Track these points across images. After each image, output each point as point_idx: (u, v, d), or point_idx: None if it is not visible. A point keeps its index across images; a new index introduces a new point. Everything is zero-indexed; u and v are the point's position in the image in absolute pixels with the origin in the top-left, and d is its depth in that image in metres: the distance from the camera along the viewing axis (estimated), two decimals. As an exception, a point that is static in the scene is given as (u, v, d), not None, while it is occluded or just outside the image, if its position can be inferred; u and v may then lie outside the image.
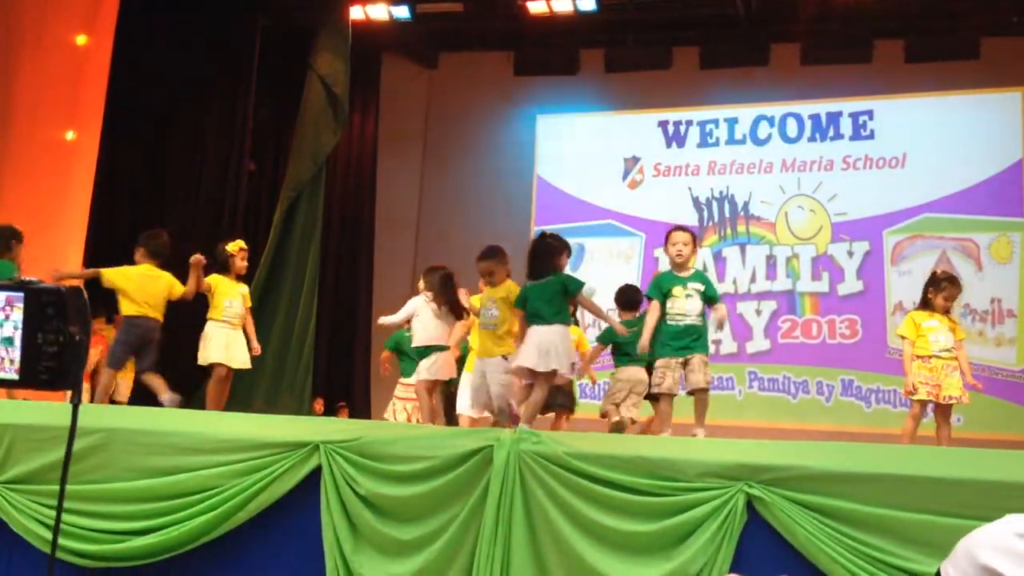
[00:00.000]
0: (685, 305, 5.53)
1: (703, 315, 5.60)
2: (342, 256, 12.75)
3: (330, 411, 11.21)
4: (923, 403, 6.11)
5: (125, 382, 8.14)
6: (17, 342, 2.08)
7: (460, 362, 6.71)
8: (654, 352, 5.61)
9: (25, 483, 4.68)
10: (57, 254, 8.31)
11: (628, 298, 7.08)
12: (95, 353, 7.92)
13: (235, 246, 7.12)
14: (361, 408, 11.65)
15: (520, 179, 12.66)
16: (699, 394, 5.51)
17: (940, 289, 6.26)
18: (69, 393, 2.14)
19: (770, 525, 3.82)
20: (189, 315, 7.68)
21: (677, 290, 5.56)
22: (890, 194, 11.26)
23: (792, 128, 11.83)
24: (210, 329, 6.91)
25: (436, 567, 4.18)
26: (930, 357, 6.09)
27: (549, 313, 5.18)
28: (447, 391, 6.77)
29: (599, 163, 12.42)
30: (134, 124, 10.48)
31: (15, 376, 2.09)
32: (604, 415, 6.76)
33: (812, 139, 11.75)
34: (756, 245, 11.70)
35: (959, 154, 11.09)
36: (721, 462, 3.94)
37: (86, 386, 7.20)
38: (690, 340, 5.49)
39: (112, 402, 7.47)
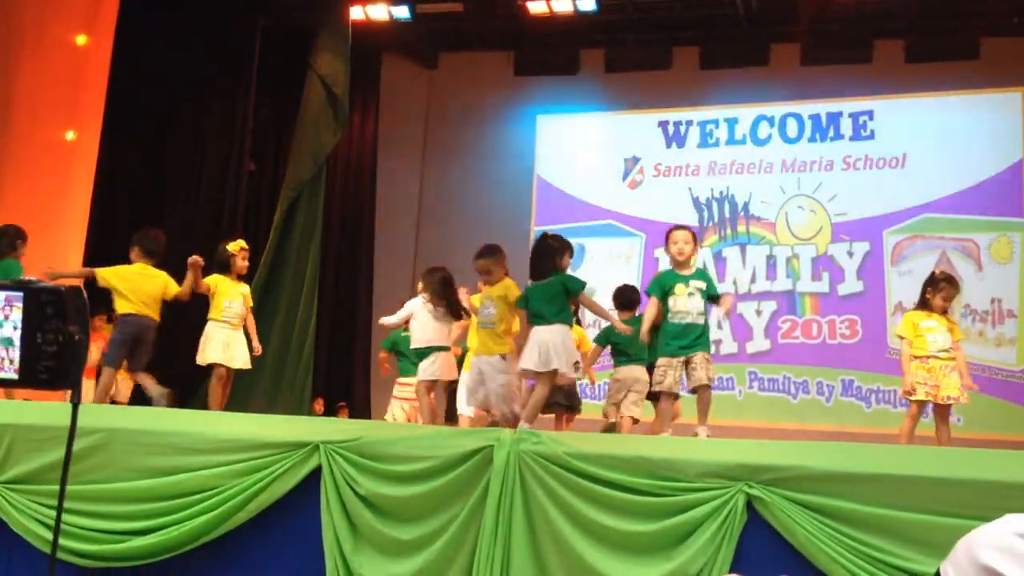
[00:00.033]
0: (687, 303, 5.53)
1: (705, 313, 5.60)
2: (342, 256, 12.75)
3: (330, 411, 11.22)
4: (921, 403, 6.11)
5: (125, 382, 8.14)
6: (16, 342, 2.08)
7: (459, 361, 6.73)
8: (655, 351, 5.61)
9: (25, 483, 4.68)
10: (57, 254, 8.31)
11: (626, 298, 7.09)
12: (95, 349, 7.92)
13: (236, 246, 7.12)
14: (361, 408, 11.65)
15: (520, 179, 12.66)
16: (702, 391, 5.50)
17: (938, 289, 6.26)
18: (69, 393, 2.14)
19: (770, 525, 3.82)
20: (189, 315, 7.69)
21: (679, 288, 5.56)
22: (890, 194, 11.26)
23: (792, 128, 11.83)
24: (210, 329, 6.91)
25: (436, 567, 4.18)
26: (928, 357, 6.08)
27: (550, 313, 5.21)
28: (450, 389, 6.78)
29: (599, 163, 12.43)
30: (134, 124, 10.48)
31: (15, 376, 2.09)
32: (606, 416, 6.79)
33: (812, 139, 11.75)
34: (756, 245, 11.70)
35: (959, 154, 11.09)
36: (721, 462, 3.94)
37: (91, 383, 7.19)
38: (692, 339, 5.48)
39: (112, 402, 7.47)
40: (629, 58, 12.25)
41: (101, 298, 6.69)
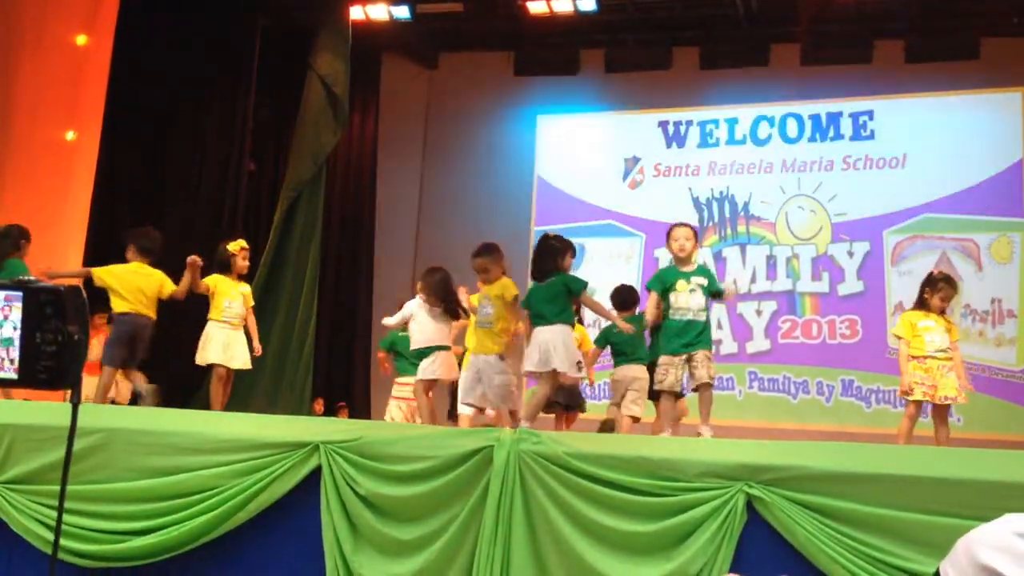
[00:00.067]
0: (688, 299, 5.53)
1: (706, 310, 5.60)
2: (342, 256, 12.75)
3: (330, 411, 11.21)
4: (919, 403, 6.11)
5: (125, 382, 8.13)
6: (16, 342, 2.07)
7: (459, 361, 6.72)
8: (656, 349, 5.62)
9: (25, 483, 4.68)
10: (57, 254, 8.31)
11: (624, 298, 7.09)
12: (96, 344, 7.93)
13: (236, 246, 7.12)
14: (361, 408, 11.65)
15: (520, 179, 12.66)
16: (703, 389, 5.51)
17: (936, 290, 6.26)
18: (69, 393, 2.14)
19: (770, 525, 3.82)
20: (189, 315, 7.68)
21: (680, 284, 5.56)
22: (890, 194, 11.26)
23: (792, 128, 11.83)
24: (210, 329, 6.91)
25: (436, 567, 4.18)
26: (926, 358, 6.08)
27: (552, 313, 5.23)
28: (451, 389, 6.79)
29: (599, 163, 12.42)
30: (134, 124, 10.48)
31: (14, 376, 2.09)
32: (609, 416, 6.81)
33: (812, 139, 11.75)
34: (756, 245, 11.70)
35: (959, 154, 11.09)
36: (721, 462, 3.94)
37: (94, 379, 7.18)
38: (692, 336, 5.49)
39: (112, 402, 7.47)
40: (629, 58, 12.25)
41: (101, 298, 6.70)
